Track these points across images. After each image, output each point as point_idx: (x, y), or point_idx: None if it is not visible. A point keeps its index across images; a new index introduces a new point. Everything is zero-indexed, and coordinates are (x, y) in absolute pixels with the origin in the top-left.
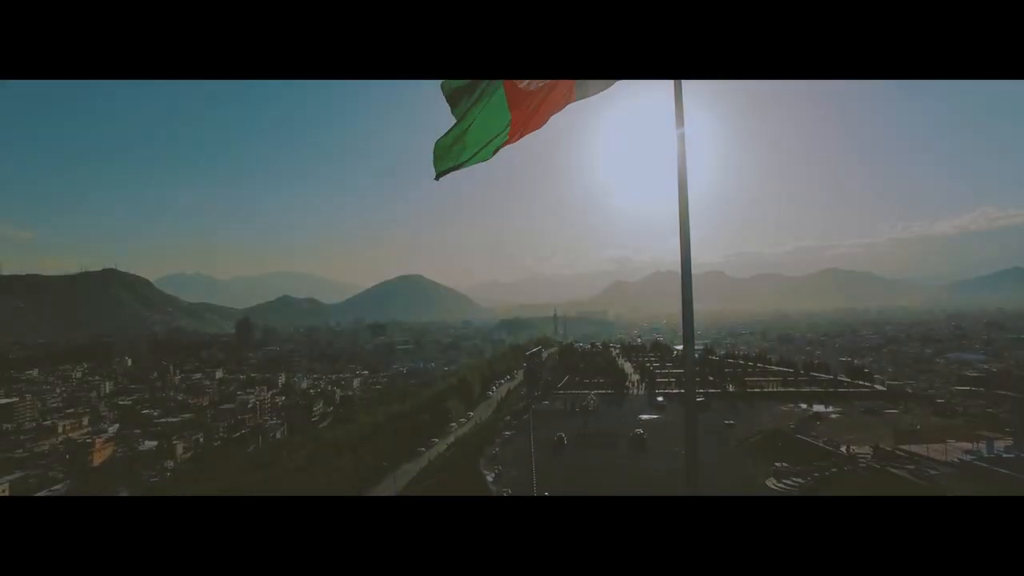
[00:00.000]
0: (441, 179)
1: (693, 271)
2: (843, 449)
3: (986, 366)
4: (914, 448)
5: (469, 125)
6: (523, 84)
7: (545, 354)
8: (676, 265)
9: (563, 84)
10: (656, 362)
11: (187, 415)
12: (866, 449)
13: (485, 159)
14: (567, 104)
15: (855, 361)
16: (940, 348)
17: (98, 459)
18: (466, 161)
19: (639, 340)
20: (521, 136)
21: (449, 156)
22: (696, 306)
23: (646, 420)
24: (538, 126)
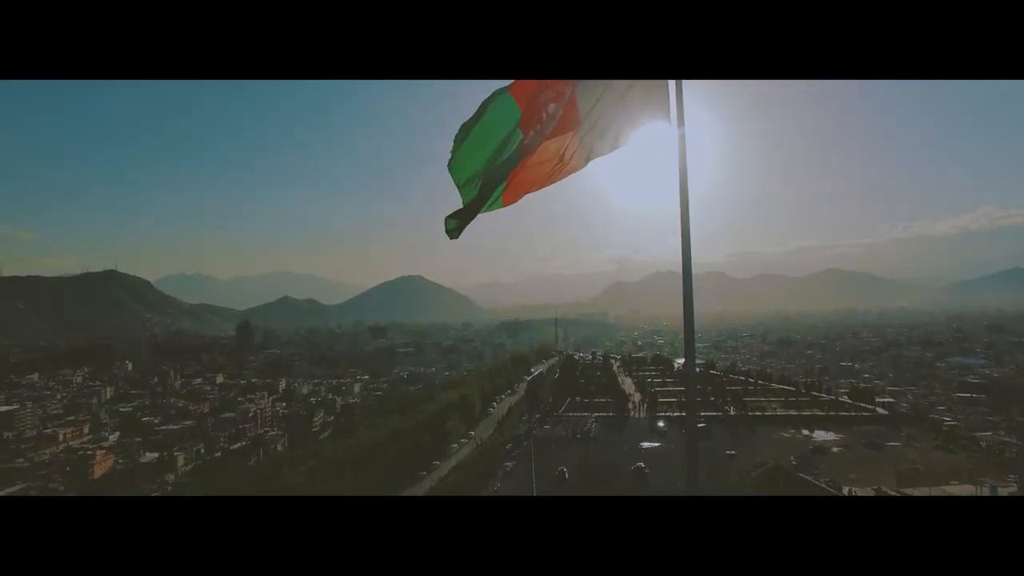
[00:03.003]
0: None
1: (694, 271)
2: (845, 491)
3: (987, 371)
4: (916, 492)
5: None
6: (527, 139)
7: (546, 365)
8: (676, 265)
9: (571, 154)
10: (657, 376)
11: (188, 422)
12: (868, 492)
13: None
14: (577, 170)
15: (856, 366)
16: (941, 352)
17: (98, 471)
18: (479, 197)
19: (639, 344)
20: (521, 194)
21: (469, 187)
22: (697, 307)
23: (647, 449)
24: (529, 189)
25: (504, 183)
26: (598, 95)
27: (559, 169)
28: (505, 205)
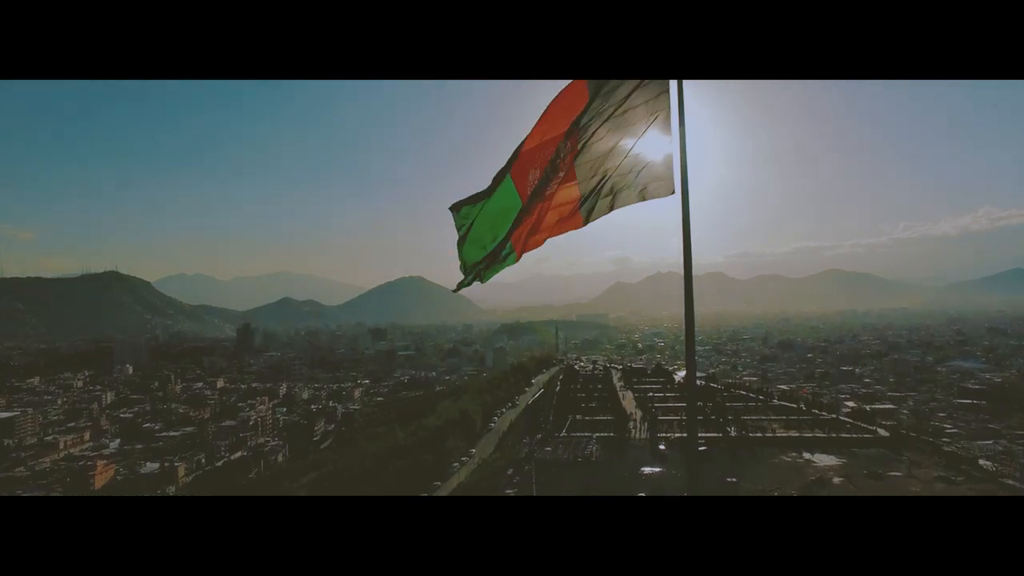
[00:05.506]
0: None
1: (694, 272)
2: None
3: (987, 376)
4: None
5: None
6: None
7: (547, 375)
8: (676, 266)
9: (571, 211)
10: (658, 389)
11: (188, 428)
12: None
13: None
14: (576, 228)
15: (856, 370)
16: (941, 355)
17: (99, 482)
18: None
19: (639, 346)
20: (526, 250)
21: (473, 260)
22: (697, 308)
23: (648, 475)
24: (539, 243)
25: (510, 243)
26: (599, 159)
27: (559, 226)
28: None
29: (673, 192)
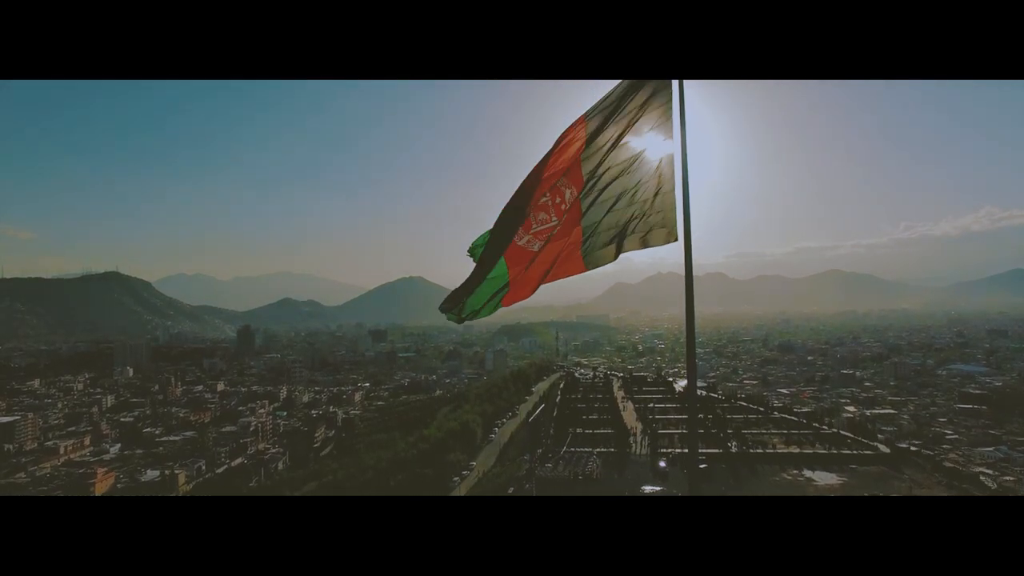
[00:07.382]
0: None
1: (694, 272)
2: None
3: (988, 380)
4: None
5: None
6: (522, 241)
7: (548, 382)
8: (676, 266)
9: (571, 255)
10: (659, 400)
11: (189, 433)
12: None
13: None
14: (576, 273)
15: (857, 373)
16: (942, 358)
17: (99, 490)
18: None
19: (640, 348)
20: (522, 297)
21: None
22: (697, 308)
23: (648, 494)
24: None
25: (506, 283)
26: (604, 208)
27: (558, 270)
28: (504, 306)
29: (676, 240)
